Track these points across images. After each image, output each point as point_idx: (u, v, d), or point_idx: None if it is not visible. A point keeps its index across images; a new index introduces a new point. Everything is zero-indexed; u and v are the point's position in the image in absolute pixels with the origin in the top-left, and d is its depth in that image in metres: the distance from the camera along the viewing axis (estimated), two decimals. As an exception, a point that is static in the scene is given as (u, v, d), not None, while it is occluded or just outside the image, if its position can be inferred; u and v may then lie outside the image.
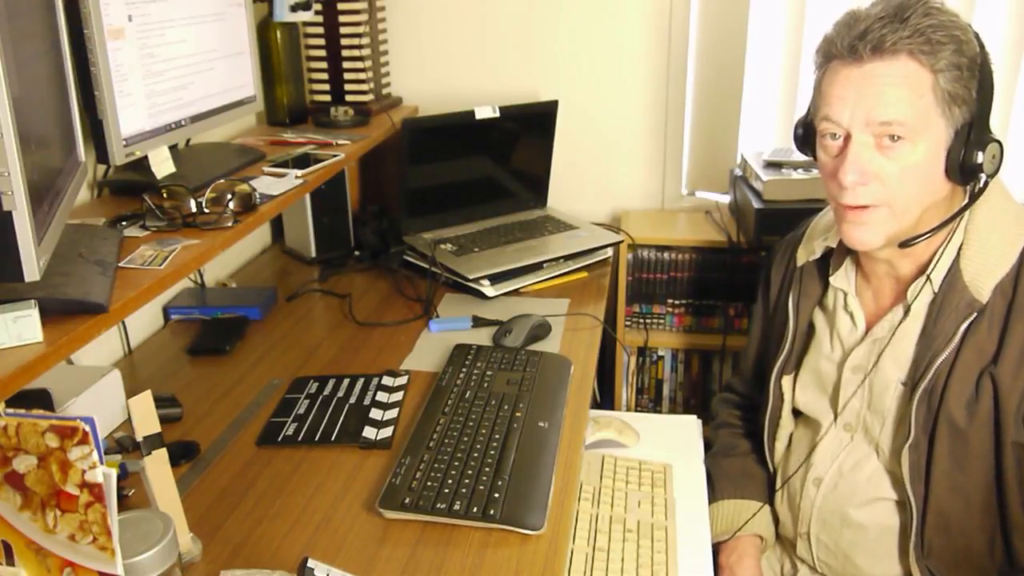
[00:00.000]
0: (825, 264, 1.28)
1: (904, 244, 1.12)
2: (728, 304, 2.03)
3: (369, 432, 1.24)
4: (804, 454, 1.27)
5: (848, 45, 1.06)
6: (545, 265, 1.77)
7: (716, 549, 1.33)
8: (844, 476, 1.23)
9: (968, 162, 1.06)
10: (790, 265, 1.33)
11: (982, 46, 1.08)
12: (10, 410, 0.74)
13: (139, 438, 0.92)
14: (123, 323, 1.50)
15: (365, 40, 1.96)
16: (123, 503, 1.07)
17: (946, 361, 1.10)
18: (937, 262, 1.13)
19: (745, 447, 1.41)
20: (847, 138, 1.09)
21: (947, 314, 1.11)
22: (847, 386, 1.21)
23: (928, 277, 1.13)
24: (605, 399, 2.13)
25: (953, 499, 1.13)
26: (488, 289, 1.69)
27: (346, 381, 1.39)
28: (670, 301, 2.05)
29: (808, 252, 1.29)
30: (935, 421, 1.11)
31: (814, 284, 1.29)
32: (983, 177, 1.09)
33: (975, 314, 1.09)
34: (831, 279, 1.26)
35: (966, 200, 1.14)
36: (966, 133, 1.06)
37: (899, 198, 1.08)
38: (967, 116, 1.06)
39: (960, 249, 1.12)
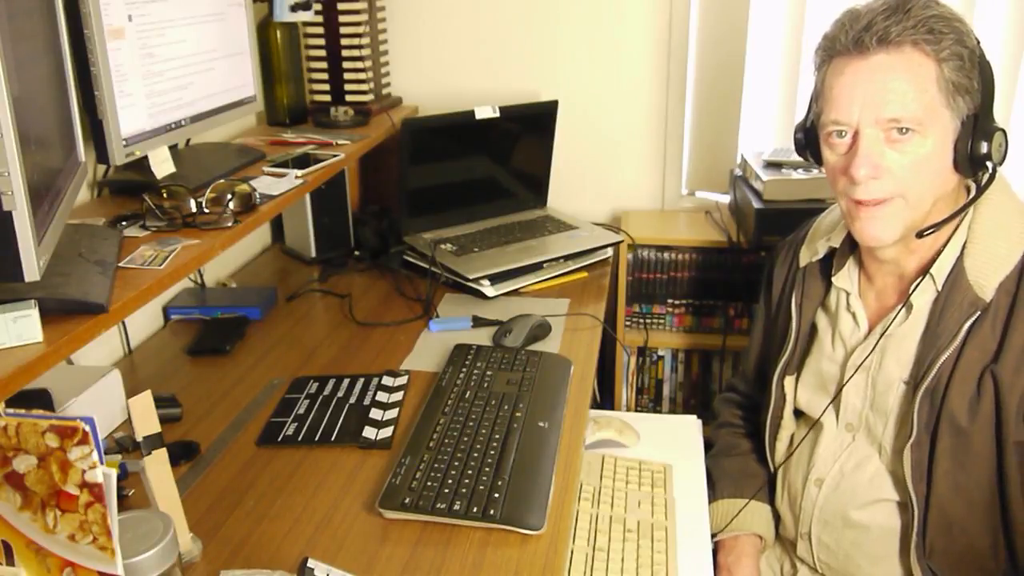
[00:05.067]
0: (827, 264, 1.28)
1: (920, 234, 1.11)
2: (728, 304, 2.03)
3: (369, 432, 1.24)
4: (806, 454, 1.27)
5: (853, 38, 1.07)
6: (545, 265, 1.77)
7: (716, 549, 1.33)
8: (846, 477, 1.23)
9: (976, 152, 1.07)
10: (792, 266, 1.33)
11: (977, 40, 1.09)
12: (10, 410, 0.74)
13: (139, 438, 0.92)
14: (123, 323, 1.50)
15: (365, 40, 1.96)
16: (123, 503, 1.07)
17: (949, 360, 1.10)
18: (939, 260, 1.13)
19: (746, 447, 1.41)
20: (856, 134, 1.09)
21: (950, 313, 1.11)
22: (849, 386, 1.21)
23: (931, 275, 1.13)
24: (605, 399, 2.13)
25: (955, 499, 1.12)
26: (488, 289, 1.69)
27: (346, 381, 1.39)
28: (670, 301, 2.05)
29: (811, 252, 1.29)
30: (937, 420, 1.11)
31: (816, 285, 1.29)
32: (990, 167, 1.09)
33: (978, 313, 1.09)
34: (833, 279, 1.25)
35: (973, 192, 1.14)
36: (972, 123, 1.07)
37: (912, 190, 1.08)
38: (971, 107, 1.07)
39: (964, 247, 1.12)
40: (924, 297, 1.14)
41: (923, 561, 1.15)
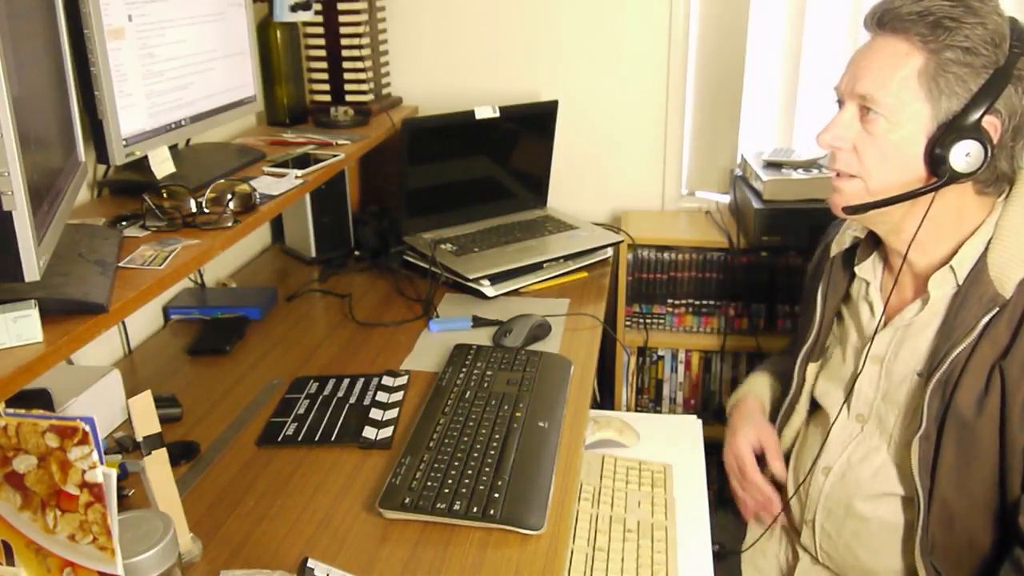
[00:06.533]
0: (853, 256, 1.29)
1: (848, 210, 1.14)
2: (728, 304, 2.03)
3: (369, 432, 1.24)
4: (815, 442, 1.28)
5: (865, 18, 1.12)
6: (545, 265, 1.77)
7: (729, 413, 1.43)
8: (852, 467, 1.23)
9: (935, 151, 1.06)
10: (824, 256, 1.36)
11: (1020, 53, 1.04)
12: (10, 410, 0.74)
13: (139, 438, 0.92)
14: (123, 323, 1.50)
15: (365, 40, 1.96)
16: (123, 503, 1.07)
17: (962, 354, 1.10)
18: (960, 253, 1.12)
19: (775, 378, 1.47)
20: (842, 104, 1.14)
21: (969, 307, 1.10)
22: (863, 376, 1.22)
23: (952, 268, 1.13)
24: (605, 399, 2.13)
25: (958, 494, 1.12)
26: (488, 289, 1.69)
27: (346, 381, 1.39)
28: (670, 301, 2.05)
29: (840, 244, 1.31)
30: (945, 413, 1.11)
31: (842, 275, 1.31)
32: (945, 174, 1.06)
33: (997, 309, 1.08)
34: (856, 269, 1.27)
35: (995, 204, 1.13)
36: (948, 125, 1.05)
37: (874, 176, 1.11)
38: (956, 109, 1.05)
39: (989, 243, 1.11)
40: (943, 290, 1.14)
41: (926, 556, 1.15)
